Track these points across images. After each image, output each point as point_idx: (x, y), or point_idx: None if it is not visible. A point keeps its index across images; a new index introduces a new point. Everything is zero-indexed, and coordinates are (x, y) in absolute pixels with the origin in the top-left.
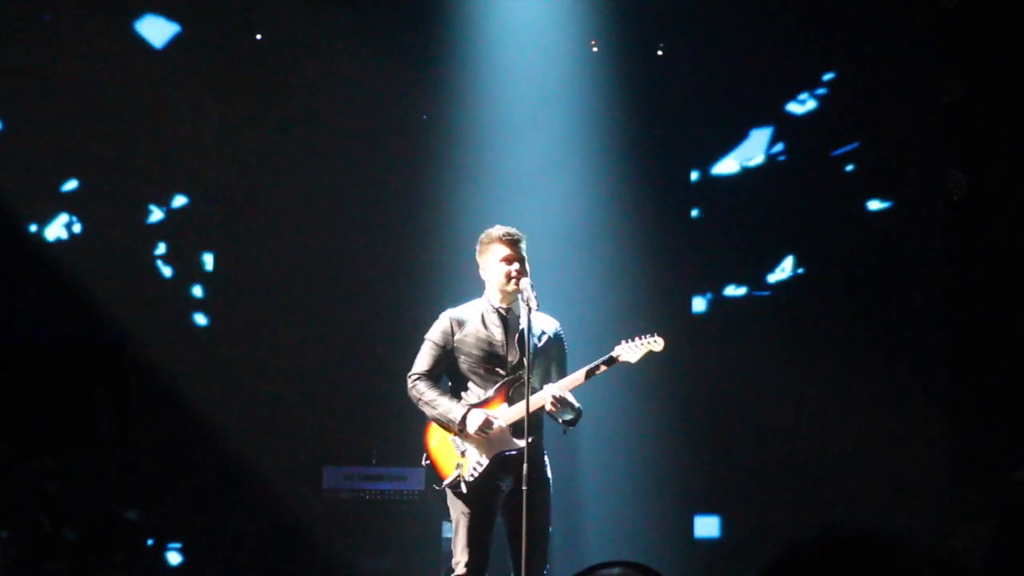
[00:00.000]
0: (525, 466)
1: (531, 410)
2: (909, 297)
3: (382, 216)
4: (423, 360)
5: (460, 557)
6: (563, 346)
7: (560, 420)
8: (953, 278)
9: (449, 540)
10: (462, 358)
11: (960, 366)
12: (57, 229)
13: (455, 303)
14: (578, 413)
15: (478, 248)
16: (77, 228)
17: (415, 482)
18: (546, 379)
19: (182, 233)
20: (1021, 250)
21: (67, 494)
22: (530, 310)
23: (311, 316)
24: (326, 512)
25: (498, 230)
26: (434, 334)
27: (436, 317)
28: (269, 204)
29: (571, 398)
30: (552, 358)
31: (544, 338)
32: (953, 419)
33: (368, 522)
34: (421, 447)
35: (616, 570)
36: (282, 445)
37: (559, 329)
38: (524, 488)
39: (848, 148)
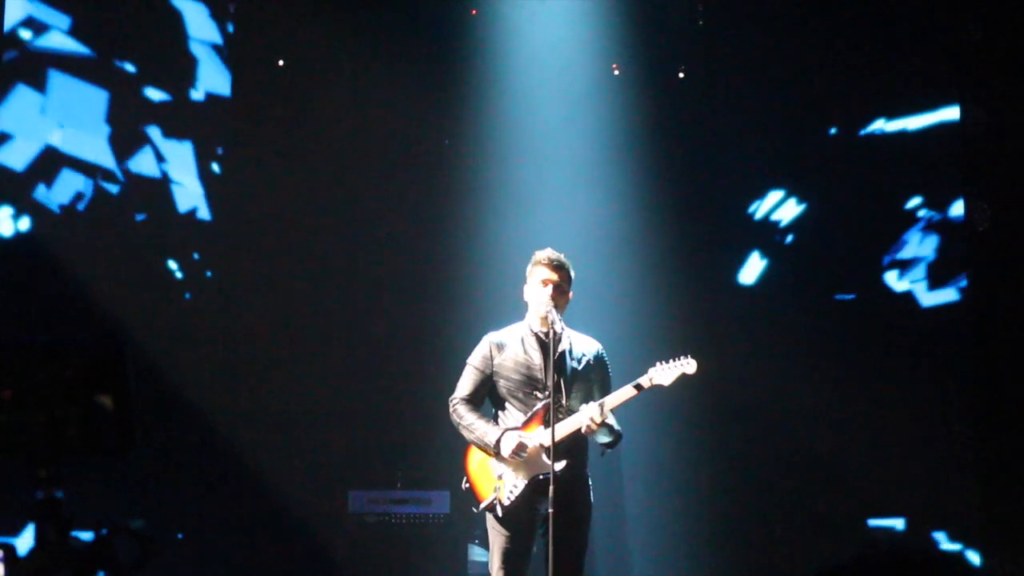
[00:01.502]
0: (551, 488)
1: (568, 433)
2: (941, 325)
3: (405, 240)
4: (464, 385)
5: None
6: (606, 368)
7: (597, 442)
8: (981, 298)
9: (475, 563)
10: (501, 382)
11: (991, 392)
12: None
13: (482, 325)
14: (617, 436)
15: (527, 269)
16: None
17: (440, 505)
18: (587, 402)
19: (197, 248)
20: None
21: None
22: (555, 333)
23: (333, 340)
24: (352, 536)
25: (541, 253)
26: (475, 359)
27: (462, 340)
28: (292, 226)
29: (611, 420)
30: (593, 381)
31: (584, 361)
32: (985, 443)
33: (394, 546)
34: (449, 470)
35: None
36: (307, 469)
37: (601, 351)
38: (551, 511)
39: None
